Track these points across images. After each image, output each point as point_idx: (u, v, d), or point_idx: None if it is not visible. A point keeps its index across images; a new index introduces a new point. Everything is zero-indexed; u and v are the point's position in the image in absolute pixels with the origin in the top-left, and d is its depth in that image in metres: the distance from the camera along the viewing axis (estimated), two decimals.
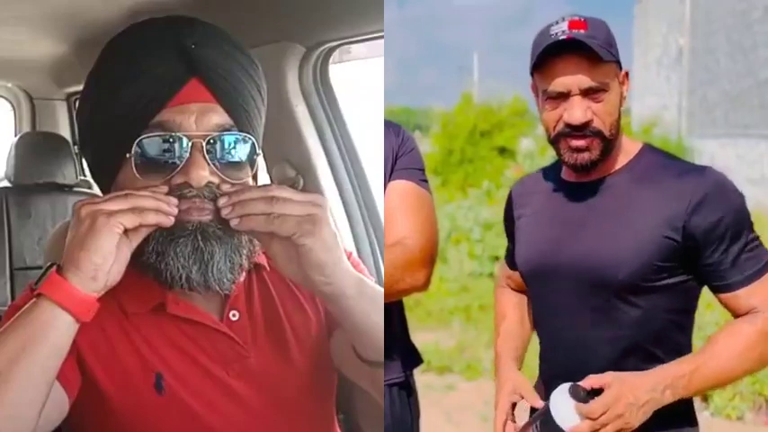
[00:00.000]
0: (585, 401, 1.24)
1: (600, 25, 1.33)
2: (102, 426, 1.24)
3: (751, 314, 1.29)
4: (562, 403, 1.25)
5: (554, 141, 1.36)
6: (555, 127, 1.34)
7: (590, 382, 1.26)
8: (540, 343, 1.46)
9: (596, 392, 1.25)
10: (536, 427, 1.31)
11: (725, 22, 12.19)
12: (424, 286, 1.48)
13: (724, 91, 12.17)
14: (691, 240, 1.27)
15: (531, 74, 1.38)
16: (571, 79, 1.30)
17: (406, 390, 1.58)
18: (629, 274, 1.29)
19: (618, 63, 1.35)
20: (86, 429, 1.26)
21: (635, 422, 1.23)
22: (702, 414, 3.69)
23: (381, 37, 1.81)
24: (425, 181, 1.55)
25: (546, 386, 1.41)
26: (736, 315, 1.32)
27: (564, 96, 1.31)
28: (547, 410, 1.27)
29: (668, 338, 1.32)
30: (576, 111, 1.30)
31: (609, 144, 1.34)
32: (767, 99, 10.60)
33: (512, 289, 1.64)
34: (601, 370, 1.28)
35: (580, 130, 1.32)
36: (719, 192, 1.29)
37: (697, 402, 1.33)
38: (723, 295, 1.31)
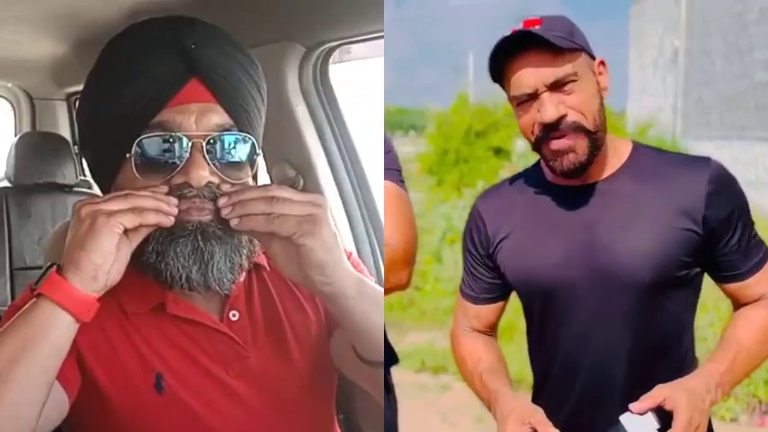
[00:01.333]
0: (663, 424, 1.16)
1: (558, 20, 1.26)
2: (102, 426, 1.24)
3: (762, 300, 1.31)
4: (643, 429, 1.16)
5: (537, 149, 1.28)
6: (532, 132, 1.26)
7: (647, 403, 1.17)
8: (547, 366, 1.37)
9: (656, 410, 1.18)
10: None
11: (721, 23, 12.22)
12: (407, 285, 1.49)
13: (720, 92, 12.20)
14: (709, 231, 1.26)
15: (501, 84, 1.29)
16: (533, 75, 1.22)
17: (386, 388, 1.60)
18: (654, 273, 1.24)
19: (588, 53, 1.27)
20: (86, 429, 1.26)
21: (704, 427, 1.19)
22: None
23: (381, 37, 1.81)
24: (402, 182, 1.57)
25: (553, 407, 1.28)
26: (743, 304, 1.32)
27: (533, 97, 1.23)
28: None
29: (684, 337, 1.32)
30: (548, 107, 1.22)
31: (596, 141, 1.24)
32: (763, 101, 10.62)
33: (478, 331, 1.48)
34: (623, 380, 1.26)
35: (556, 127, 1.23)
36: (727, 181, 1.29)
37: None
38: (732, 285, 1.32)
